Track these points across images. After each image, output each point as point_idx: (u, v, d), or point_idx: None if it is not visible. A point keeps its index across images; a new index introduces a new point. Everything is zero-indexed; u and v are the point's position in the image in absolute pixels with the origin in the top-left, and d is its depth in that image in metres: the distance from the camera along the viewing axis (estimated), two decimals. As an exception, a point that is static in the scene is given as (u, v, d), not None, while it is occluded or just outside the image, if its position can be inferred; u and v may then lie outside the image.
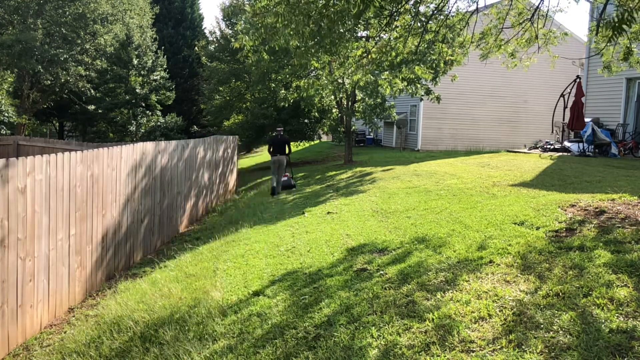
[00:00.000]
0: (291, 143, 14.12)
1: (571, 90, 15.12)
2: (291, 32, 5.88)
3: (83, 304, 6.36)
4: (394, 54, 7.33)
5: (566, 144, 14.80)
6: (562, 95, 15.70)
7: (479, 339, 3.12)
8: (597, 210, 5.53)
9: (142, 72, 25.64)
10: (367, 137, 27.11)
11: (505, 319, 3.30)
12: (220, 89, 22.69)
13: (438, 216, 6.78)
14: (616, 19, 3.77)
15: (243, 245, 7.19)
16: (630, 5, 5.03)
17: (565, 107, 15.73)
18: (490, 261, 4.42)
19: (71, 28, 24.37)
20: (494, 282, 3.95)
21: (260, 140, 22.66)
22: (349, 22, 8.05)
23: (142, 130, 24.98)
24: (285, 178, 12.98)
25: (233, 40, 6.72)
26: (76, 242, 6.30)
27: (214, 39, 27.04)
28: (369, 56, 7.45)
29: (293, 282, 4.90)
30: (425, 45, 8.00)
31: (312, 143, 26.36)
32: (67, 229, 6.06)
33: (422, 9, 7.61)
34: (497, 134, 22.72)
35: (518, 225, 5.45)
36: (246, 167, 23.82)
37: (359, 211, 8.24)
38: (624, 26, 3.93)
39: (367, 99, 15.91)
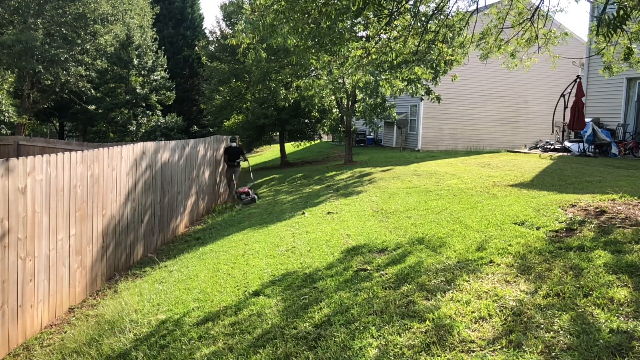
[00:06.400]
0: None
1: (571, 90, 15.11)
2: (290, 31, 5.86)
3: (83, 304, 6.36)
4: (394, 54, 7.32)
5: (566, 144, 14.80)
6: (563, 95, 15.70)
7: (479, 339, 3.12)
8: (597, 210, 5.53)
9: (142, 72, 25.64)
10: (368, 137, 27.11)
11: (505, 319, 3.29)
12: (221, 88, 22.68)
13: (438, 216, 6.77)
14: (613, 16, 3.77)
15: (243, 245, 7.19)
16: (627, 4, 5.03)
17: (565, 107, 15.73)
18: (491, 261, 4.42)
19: (71, 28, 24.36)
20: (494, 282, 3.94)
21: (260, 140, 22.67)
22: (348, 21, 8.02)
23: (143, 130, 24.97)
24: (245, 192, 12.91)
25: (232, 38, 6.70)
26: (76, 242, 6.30)
27: (214, 39, 27.03)
28: (369, 57, 7.44)
29: (293, 282, 4.90)
30: (425, 45, 7.98)
31: (313, 143, 26.36)
32: (67, 229, 6.06)
33: (422, 8, 7.61)
34: (498, 134, 22.72)
35: (518, 225, 5.45)
36: (247, 166, 23.79)
37: (359, 211, 8.24)
38: (623, 25, 3.93)
39: (367, 99, 15.91)
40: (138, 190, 8.26)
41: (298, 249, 6.25)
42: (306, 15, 5.81)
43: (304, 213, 8.93)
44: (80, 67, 25.27)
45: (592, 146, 13.39)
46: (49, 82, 24.74)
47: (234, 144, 13.77)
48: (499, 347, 2.99)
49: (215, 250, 7.45)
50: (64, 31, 24.21)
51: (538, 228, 5.19)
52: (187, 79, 35.30)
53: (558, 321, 3.14)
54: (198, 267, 6.55)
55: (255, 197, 12.51)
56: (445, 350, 3.05)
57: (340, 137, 17.96)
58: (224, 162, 13.73)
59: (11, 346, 5.04)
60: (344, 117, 17.52)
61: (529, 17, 7.38)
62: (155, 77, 26.46)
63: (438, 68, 13.68)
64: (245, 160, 14.24)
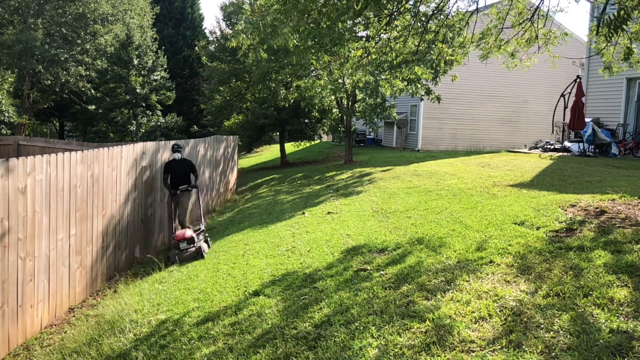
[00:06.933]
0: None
1: (571, 90, 15.12)
2: (290, 31, 5.87)
3: (83, 304, 6.36)
4: (394, 54, 7.32)
5: (566, 144, 14.80)
6: (563, 95, 15.70)
7: (479, 339, 3.12)
8: (597, 210, 5.53)
9: (142, 72, 25.63)
10: (368, 137, 27.11)
11: (505, 319, 3.29)
12: (221, 88, 22.69)
13: (438, 216, 6.77)
14: (614, 16, 3.77)
15: (243, 245, 7.19)
16: (628, 4, 5.03)
17: (565, 107, 15.73)
18: (491, 261, 4.42)
19: (71, 28, 24.35)
20: (494, 282, 3.94)
21: (260, 140, 22.69)
22: (349, 21, 8.01)
23: (143, 130, 24.97)
24: (187, 237, 7.37)
25: (232, 39, 6.69)
26: (76, 242, 6.30)
27: (214, 39, 27.06)
28: (369, 57, 7.44)
29: (293, 282, 4.90)
30: (425, 45, 7.98)
31: (313, 143, 26.36)
32: (67, 229, 6.06)
33: (422, 8, 7.61)
34: (498, 134, 22.72)
35: (518, 225, 5.45)
36: (247, 167, 23.82)
37: (359, 211, 8.24)
38: (623, 25, 3.93)
39: (367, 98, 15.92)
40: (138, 190, 8.26)
41: (298, 249, 6.25)
42: (306, 16, 5.81)
43: (304, 213, 8.93)
44: (80, 67, 25.27)
45: (592, 146, 13.38)
46: (49, 82, 24.73)
47: (178, 155, 8.55)
48: (499, 347, 2.99)
49: (215, 250, 7.45)
50: (64, 31, 24.21)
51: (538, 228, 5.19)
52: (187, 79, 35.31)
53: (558, 321, 3.14)
54: (198, 267, 6.55)
55: (205, 246, 7.59)
56: (445, 350, 3.05)
57: (340, 137, 17.97)
58: (164, 184, 8.69)
59: (11, 346, 5.04)
60: (344, 117, 17.52)
61: (529, 17, 7.38)
62: (155, 77, 26.46)
63: (438, 68, 13.68)
64: (195, 187, 8.85)
